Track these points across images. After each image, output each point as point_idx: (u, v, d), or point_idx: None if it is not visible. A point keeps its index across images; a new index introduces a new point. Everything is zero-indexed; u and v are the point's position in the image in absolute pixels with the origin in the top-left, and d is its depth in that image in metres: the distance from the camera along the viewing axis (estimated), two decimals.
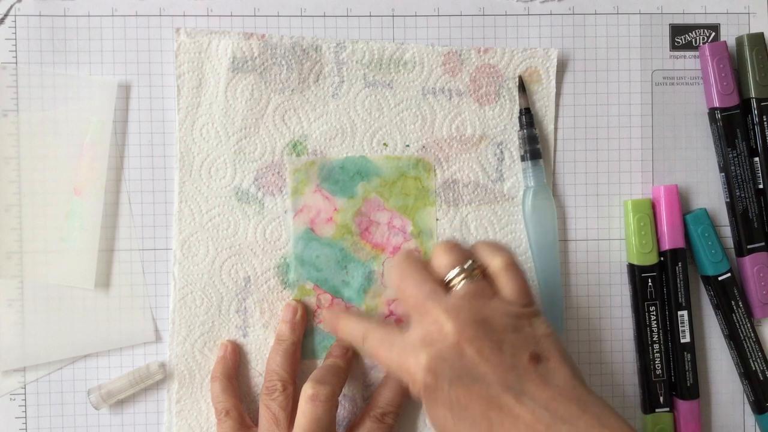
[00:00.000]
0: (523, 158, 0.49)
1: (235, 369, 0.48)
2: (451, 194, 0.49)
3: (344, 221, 0.49)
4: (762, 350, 0.50)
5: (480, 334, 0.38)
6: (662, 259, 0.49)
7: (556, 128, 0.50)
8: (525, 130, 0.48)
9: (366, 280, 0.49)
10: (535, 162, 0.48)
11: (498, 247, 0.42)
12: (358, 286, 0.49)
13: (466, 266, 0.41)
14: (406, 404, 0.49)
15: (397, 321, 0.49)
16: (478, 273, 0.41)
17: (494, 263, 0.41)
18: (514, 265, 0.41)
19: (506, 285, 0.41)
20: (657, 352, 0.49)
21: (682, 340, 0.49)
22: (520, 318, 0.40)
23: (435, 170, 0.49)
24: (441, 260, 0.41)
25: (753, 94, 0.49)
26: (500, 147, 0.49)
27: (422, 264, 0.42)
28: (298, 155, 0.49)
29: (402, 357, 0.40)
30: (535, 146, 0.48)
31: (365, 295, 0.49)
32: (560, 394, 0.37)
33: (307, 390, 0.43)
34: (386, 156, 0.49)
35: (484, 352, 0.38)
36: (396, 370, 0.41)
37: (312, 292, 0.49)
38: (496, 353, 0.38)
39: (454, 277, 0.41)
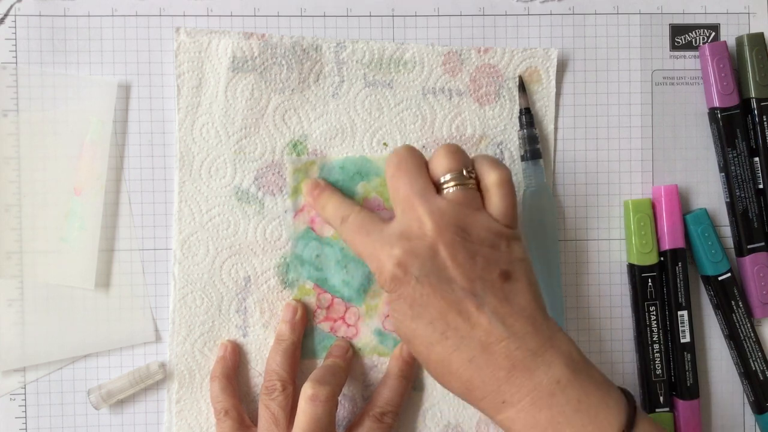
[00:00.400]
0: (523, 158, 0.49)
1: (234, 369, 0.48)
2: None
3: None
4: (762, 350, 0.50)
5: (457, 240, 0.39)
6: (662, 259, 0.49)
7: (556, 128, 0.50)
8: (525, 130, 0.48)
9: (366, 280, 0.49)
10: (535, 162, 0.48)
11: (497, 163, 0.42)
12: (357, 285, 0.49)
13: (462, 173, 0.41)
14: (405, 404, 0.49)
15: None
16: (471, 182, 0.41)
17: (489, 177, 0.41)
18: (508, 184, 0.41)
19: (495, 201, 0.41)
20: (657, 352, 0.49)
21: (682, 340, 0.49)
22: (499, 236, 0.40)
23: None
24: (439, 162, 0.42)
25: (753, 94, 0.49)
26: (500, 147, 0.49)
27: (421, 161, 0.42)
28: (298, 155, 0.49)
29: (376, 245, 0.40)
30: (535, 146, 0.48)
31: (365, 295, 0.49)
32: (519, 313, 0.38)
33: (307, 390, 0.43)
34: (386, 156, 0.49)
35: (458, 258, 0.39)
36: (367, 257, 0.41)
37: (312, 292, 0.49)
38: (468, 261, 0.39)
39: (447, 181, 0.41)
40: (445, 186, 0.41)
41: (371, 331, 0.49)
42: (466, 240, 0.39)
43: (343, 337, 0.49)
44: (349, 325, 0.49)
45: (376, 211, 0.48)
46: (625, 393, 0.39)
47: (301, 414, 0.43)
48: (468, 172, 0.41)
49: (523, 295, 0.39)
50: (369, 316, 0.49)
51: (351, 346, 0.49)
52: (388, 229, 0.41)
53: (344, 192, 0.49)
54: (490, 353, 0.38)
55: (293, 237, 0.48)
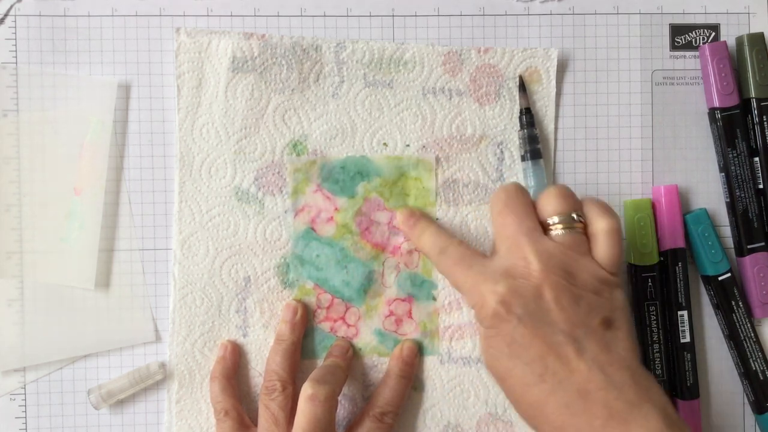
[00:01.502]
0: (523, 158, 0.49)
1: (234, 369, 0.48)
2: (451, 194, 0.49)
3: (345, 221, 0.49)
4: (762, 350, 0.50)
5: (563, 283, 0.39)
6: (662, 259, 0.49)
7: (556, 128, 0.50)
8: (525, 130, 0.48)
9: (366, 280, 0.49)
10: (536, 162, 0.48)
11: (608, 210, 0.42)
12: (358, 285, 0.49)
13: (571, 216, 0.41)
14: (405, 404, 0.49)
15: (397, 321, 0.49)
16: (579, 227, 0.41)
17: (599, 224, 0.41)
18: (617, 233, 0.41)
19: (603, 248, 0.41)
20: (657, 352, 0.49)
21: (682, 340, 0.49)
22: (604, 283, 0.40)
23: (435, 170, 0.49)
24: (549, 203, 0.41)
25: (753, 94, 0.49)
26: (500, 147, 0.49)
27: (529, 200, 0.42)
28: (298, 155, 0.49)
29: (478, 280, 0.40)
30: (535, 146, 0.48)
31: (365, 295, 0.49)
32: (618, 362, 0.38)
33: (306, 390, 0.43)
34: (387, 156, 0.49)
35: (562, 301, 0.38)
36: (466, 291, 0.41)
37: (312, 292, 0.49)
38: (572, 306, 0.38)
39: (555, 223, 0.41)
40: (553, 228, 0.41)
41: (371, 332, 0.49)
42: (572, 284, 0.39)
43: (343, 337, 0.49)
44: (349, 325, 0.49)
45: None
46: None
47: (301, 414, 0.43)
48: (577, 215, 0.41)
49: (623, 344, 0.39)
50: (369, 316, 0.49)
51: (351, 346, 0.49)
52: (492, 264, 0.40)
53: (345, 192, 0.49)
54: (588, 401, 0.37)
55: (293, 237, 0.48)
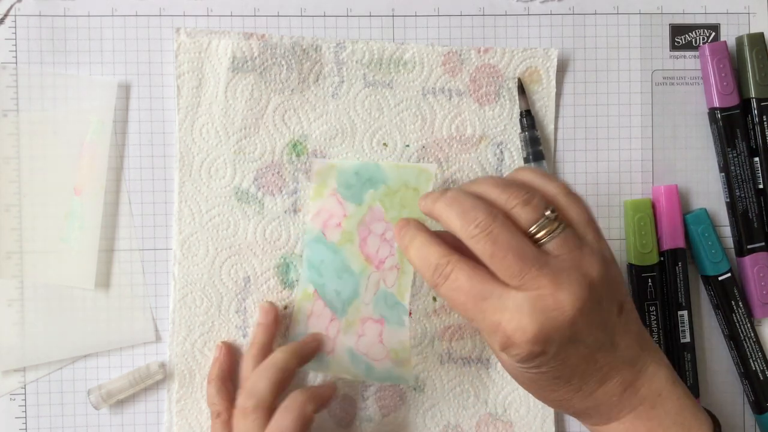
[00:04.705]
0: (525, 160, 0.49)
1: (230, 370, 0.48)
2: None
3: (350, 228, 0.48)
4: (762, 350, 0.50)
5: (590, 303, 0.35)
6: (662, 259, 0.49)
7: (556, 128, 0.50)
8: (527, 133, 0.48)
9: (353, 293, 0.48)
10: (539, 164, 0.48)
11: (577, 199, 0.38)
12: (345, 297, 0.48)
13: (547, 214, 0.36)
14: (405, 404, 0.48)
15: (368, 344, 0.48)
16: (562, 223, 0.36)
17: (573, 216, 0.37)
18: (593, 220, 0.38)
19: (590, 239, 0.37)
20: None
21: (682, 340, 0.49)
22: (607, 265, 0.37)
23: (436, 176, 0.48)
24: (522, 215, 0.36)
25: (753, 94, 0.49)
26: (500, 147, 0.49)
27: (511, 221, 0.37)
28: (297, 155, 0.48)
29: (501, 316, 0.35)
30: (537, 148, 0.48)
31: (348, 308, 0.48)
32: (632, 338, 0.38)
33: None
34: (397, 165, 0.48)
35: (592, 318, 0.35)
36: (485, 328, 0.36)
37: (311, 298, 0.48)
38: (598, 315, 0.36)
39: (538, 231, 0.36)
40: (539, 239, 0.36)
41: (345, 350, 0.48)
42: (593, 289, 0.35)
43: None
44: (329, 338, 0.48)
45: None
46: (711, 414, 0.40)
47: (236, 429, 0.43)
48: (551, 211, 0.36)
49: (635, 322, 0.39)
50: (346, 332, 0.48)
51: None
52: (512, 298, 0.35)
53: (355, 198, 0.48)
54: (609, 381, 0.38)
55: (307, 239, 0.48)
